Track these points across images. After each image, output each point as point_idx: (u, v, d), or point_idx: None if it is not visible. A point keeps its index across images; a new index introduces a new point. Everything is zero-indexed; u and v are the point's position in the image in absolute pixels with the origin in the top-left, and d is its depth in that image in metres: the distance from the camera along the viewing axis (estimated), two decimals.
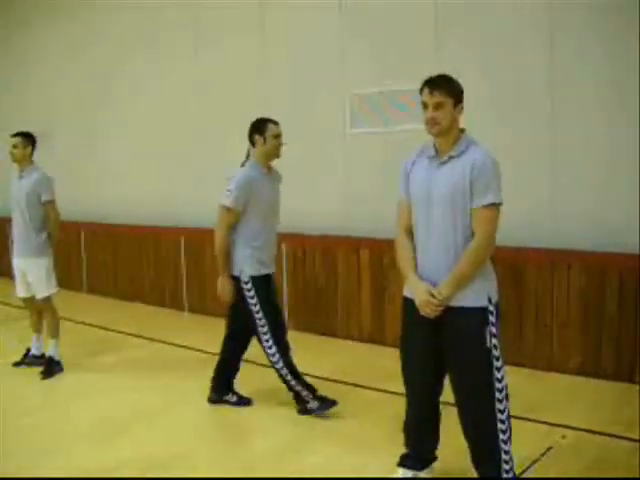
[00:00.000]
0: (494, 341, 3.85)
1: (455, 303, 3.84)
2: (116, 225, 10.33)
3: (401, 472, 4.28)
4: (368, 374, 6.40)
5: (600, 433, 5.03)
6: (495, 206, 3.79)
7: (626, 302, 6.02)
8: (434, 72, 3.98)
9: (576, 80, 6.25)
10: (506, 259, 5.97)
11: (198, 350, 7.34)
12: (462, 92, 3.94)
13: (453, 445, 4.31)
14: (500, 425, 3.90)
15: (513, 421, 4.00)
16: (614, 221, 6.19)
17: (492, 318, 3.86)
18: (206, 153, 9.17)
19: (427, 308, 3.85)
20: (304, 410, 5.49)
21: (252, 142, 5.51)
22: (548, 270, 6.38)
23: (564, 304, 6.32)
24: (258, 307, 5.46)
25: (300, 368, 5.55)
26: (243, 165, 5.54)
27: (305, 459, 4.75)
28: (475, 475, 4.07)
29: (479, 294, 3.85)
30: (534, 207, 6.49)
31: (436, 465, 4.35)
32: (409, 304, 4.01)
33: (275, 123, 5.52)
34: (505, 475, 3.93)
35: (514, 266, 6.35)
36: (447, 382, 4.07)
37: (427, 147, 4.03)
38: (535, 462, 4.58)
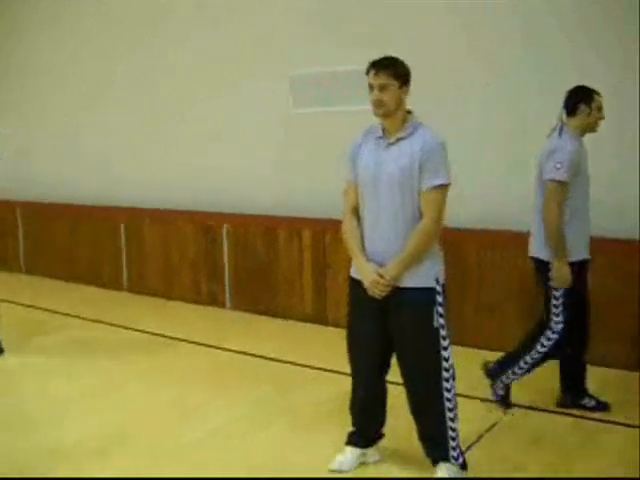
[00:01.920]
0: (441, 321, 3.90)
1: (403, 284, 3.87)
2: (54, 204, 10.15)
3: (349, 450, 4.31)
4: (311, 353, 6.42)
5: (541, 409, 5.16)
6: (443, 187, 3.83)
7: None
8: (383, 53, 3.99)
9: None
10: (447, 239, 6.01)
11: (138, 330, 7.30)
12: (408, 74, 3.95)
13: (400, 423, 4.37)
14: (447, 403, 3.96)
15: (458, 399, 4.06)
16: None
17: (439, 298, 3.91)
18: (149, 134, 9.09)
19: (375, 288, 3.88)
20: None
21: (573, 111, 4.94)
22: (488, 250, 6.48)
23: (504, 284, 6.42)
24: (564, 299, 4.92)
25: (242, 347, 5.53)
26: (558, 134, 4.91)
27: (255, 436, 4.76)
28: (421, 451, 4.13)
29: (427, 275, 3.89)
30: (479, 190, 6.54)
31: (383, 443, 4.39)
32: (356, 284, 4.04)
33: (599, 95, 4.96)
34: (452, 452, 4.01)
35: (455, 246, 6.40)
36: (394, 361, 4.11)
37: (374, 129, 4.04)
38: (480, 438, 4.67)
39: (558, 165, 4.73)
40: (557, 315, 4.90)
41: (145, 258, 8.99)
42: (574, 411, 5.10)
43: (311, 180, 7.57)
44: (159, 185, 8.93)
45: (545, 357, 4.99)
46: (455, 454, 4.03)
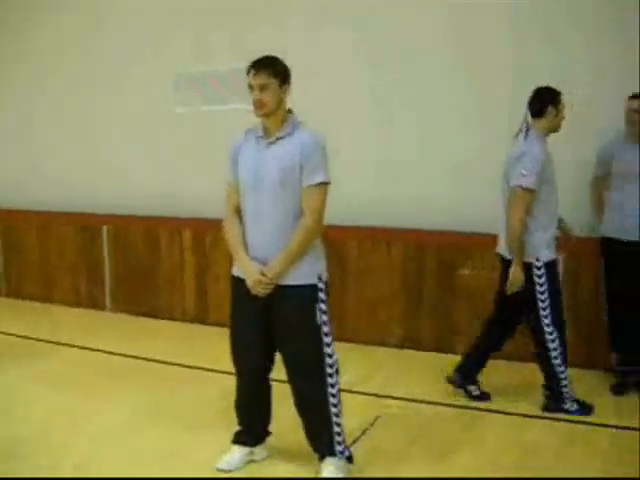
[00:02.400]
0: (324, 317, 3.94)
1: (286, 281, 3.89)
2: None
3: (236, 449, 4.31)
4: (194, 354, 6.39)
5: (423, 401, 5.27)
6: (324, 185, 3.87)
7: (443, 277, 6.33)
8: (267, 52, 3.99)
9: None
10: (329, 237, 6.07)
11: (17, 335, 7.11)
12: (287, 72, 3.97)
13: (286, 420, 4.39)
14: (331, 399, 4.00)
15: (343, 394, 4.11)
16: (433, 199, 6.48)
17: (322, 295, 3.94)
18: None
19: (258, 287, 3.88)
20: (556, 409, 5.08)
21: (540, 113, 4.95)
22: (369, 247, 6.59)
23: (385, 280, 6.54)
24: (546, 295, 4.96)
25: (124, 350, 5.44)
26: (524, 138, 4.96)
27: (140, 439, 4.69)
28: (308, 447, 4.16)
29: (309, 272, 3.92)
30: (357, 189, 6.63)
31: (271, 440, 4.41)
32: (238, 283, 4.03)
33: (562, 95, 4.99)
34: (337, 447, 4.06)
35: (337, 244, 6.48)
36: (279, 358, 4.13)
37: (255, 128, 4.04)
38: (365, 432, 4.74)
39: (524, 172, 4.78)
40: (545, 317, 4.97)
41: (23, 262, 8.73)
42: (457, 402, 5.24)
43: (192, 180, 7.51)
44: (36, 186, 8.68)
45: (564, 350, 5.03)
46: (341, 448, 4.08)
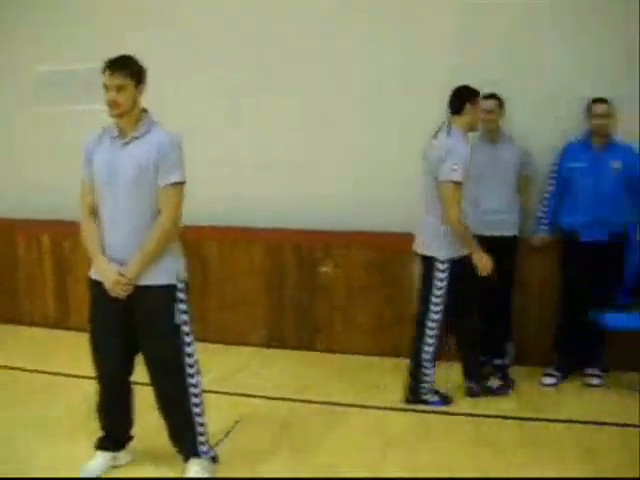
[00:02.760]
0: (184, 317, 3.93)
1: (144, 281, 3.86)
2: None
3: (99, 454, 4.25)
4: (56, 359, 6.25)
5: (286, 399, 5.33)
6: (180, 185, 3.86)
7: (304, 275, 6.41)
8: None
9: None
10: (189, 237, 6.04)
11: None
12: (143, 72, 3.94)
13: (149, 423, 4.35)
14: (194, 399, 4.00)
15: (206, 394, 4.12)
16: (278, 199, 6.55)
17: (181, 295, 3.93)
18: None
19: (117, 288, 3.84)
20: (417, 400, 5.24)
21: (459, 110, 5.09)
22: (229, 247, 6.60)
23: (246, 280, 6.56)
24: (443, 292, 5.08)
25: None
26: (447, 134, 5.07)
27: (8, 452, 4.53)
28: (172, 449, 4.15)
29: (167, 272, 3.90)
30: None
31: (134, 444, 4.36)
32: (96, 286, 3.97)
33: (480, 94, 5.21)
34: (201, 447, 4.07)
35: (196, 243, 6.46)
36: (141, 360, 4.09)
37: (110, 128, 3.99)
38: (229, 431, 4.76)
39: (454, 166, 4.89)
40: (435, 312, 5.11)
41: None
42: (318, 398, 5.32)
43: (51, 181, 7.31)
44: None
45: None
46: (205, 449, 4.10)
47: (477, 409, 5.16)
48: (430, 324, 5.13)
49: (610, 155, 5.46)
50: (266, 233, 6.49)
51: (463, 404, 5.27)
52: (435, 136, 5.15)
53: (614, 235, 5.47)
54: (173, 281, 3.90)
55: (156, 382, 4.04)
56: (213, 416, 4.33)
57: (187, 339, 3.95)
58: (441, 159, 4.96)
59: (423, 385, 5.21)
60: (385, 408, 5.16)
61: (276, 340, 6.53)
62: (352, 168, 6.36)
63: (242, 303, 6.61)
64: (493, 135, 5.69)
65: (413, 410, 5.13)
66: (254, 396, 5.38)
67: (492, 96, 5.64)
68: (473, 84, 5.14)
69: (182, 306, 3.92)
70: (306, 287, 6.43)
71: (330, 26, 6.32)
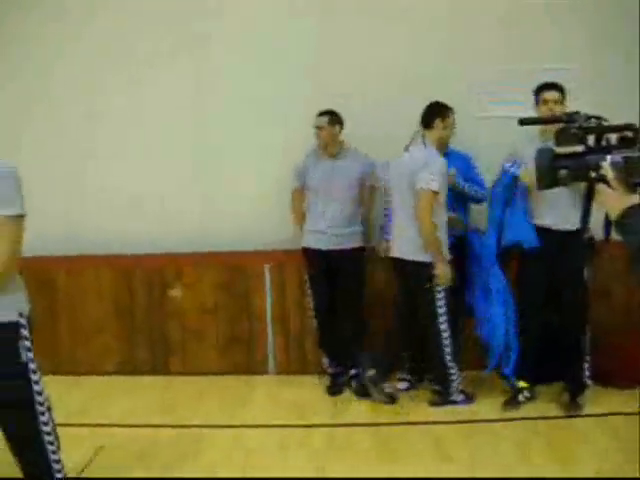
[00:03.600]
0: (29, 355, 3.79)
1: None
2: None
3: None
4: None
5: (144, 426, 5.25)
6: (14, 218, 3.69)
7: (154, 299, 6.35)
8: None
9: None
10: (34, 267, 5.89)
11: None
12: None
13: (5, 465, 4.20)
14: (47, 437, 3.87)
15: (60, 429, 4.00)
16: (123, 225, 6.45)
17: (25, 332, 3.78)
18: None
19: None
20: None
21: (429, 125, 5.34)
22: (77, 275, 6.46)
23: (96, 307, 6.43)
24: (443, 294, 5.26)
25: None
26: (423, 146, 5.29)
27: None
28: None
29: (8, 309, 3.75)
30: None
31: None
32: None
33: (453, 112, 5.47)
34: None
35: (43, 274, 6.30)
36: None
37: None
38: (89, 463, 4.63)
39: (432, 176, 5.09)
40: (441, 314, 5.27)
41: None
42: (177, 422, 5.28)
43: None
44: None
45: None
46: None
47: (337, 418, 5.26)
48: (442, 326, 5.29)
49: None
50: (114, 259, 6.38)
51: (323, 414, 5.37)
52: (406, 149, 5.35)
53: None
54: (15, 318, 3.77)
55: (5, 426, 3.90)
56: (70, 450, 4.20)
57: (34, 377, 3.80)
58: (414, 172, 5.16)
59: (453, 386, 5.40)
60: (247, 426, 5.18)
61: (128, 366, 6.40)
62: (198, 189, 6.34)
63: (93, 332, 6.44)
64: (330, 149, 5.78)
65: (274, 425, 5.16)
66: (113, 425, 5.26)
67: (327, 113, 5.74)
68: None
69: (27, 343, 3.78)
70: (157, 311, 6.36)
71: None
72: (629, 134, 2.20)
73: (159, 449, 4.86)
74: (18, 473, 4.24)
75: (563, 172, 2.23)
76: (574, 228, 4.85)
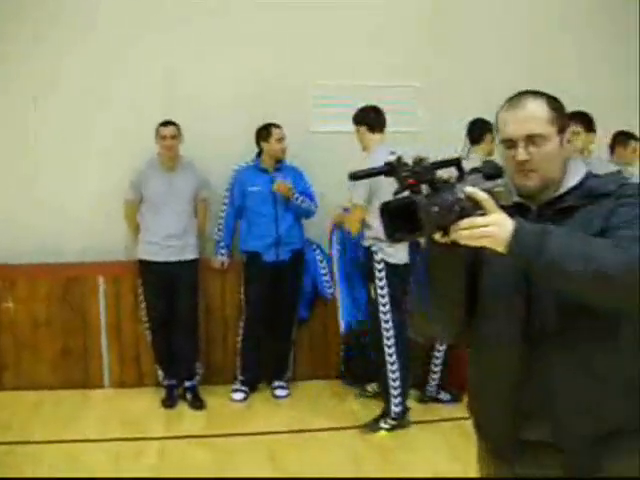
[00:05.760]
0: None
1: None
2: None
3: None
4: None
5: None
6: None
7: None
8: None
9: None
10: None
11: None
12: None
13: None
14: None
15: None
16: None
17: None
18: None
19: None
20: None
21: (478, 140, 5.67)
22: None
23: None
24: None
25: None
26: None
27: None
28: None
29: None
30: None
31: None
32: None
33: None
34: None
35: None
36: None
37: None
38: None
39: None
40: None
41: None
42: (12, 438, 5.14)
43: None
44: None
45: None
46: None
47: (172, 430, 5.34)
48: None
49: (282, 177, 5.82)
50: None
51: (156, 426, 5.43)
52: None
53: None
54: None
55: None
56: None
57: None
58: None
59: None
60: (81, 441, 5.14)
61: None
62: (33, 197, 6.21)
63: None
64: (171, 161, 5.84)
65: (107, 440, 5.15)
66: None
67: (171, 123, 5.78)
68: None
69: None
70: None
71: None
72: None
73: None
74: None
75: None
76: None
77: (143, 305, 5.93)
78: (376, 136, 5.38)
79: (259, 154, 5.90)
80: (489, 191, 1.97)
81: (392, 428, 5.25)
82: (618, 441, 2.12)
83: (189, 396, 5.82)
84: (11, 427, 5.40)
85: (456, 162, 2.08)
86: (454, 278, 2.10)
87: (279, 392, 5.99)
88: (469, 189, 1.94)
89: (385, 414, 5.29)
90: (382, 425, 5.26)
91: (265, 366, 6.06)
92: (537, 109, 2.14)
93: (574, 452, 2.13)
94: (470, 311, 2.23)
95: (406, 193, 1.93)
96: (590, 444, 2.11)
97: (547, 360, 2.10)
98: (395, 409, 5.25)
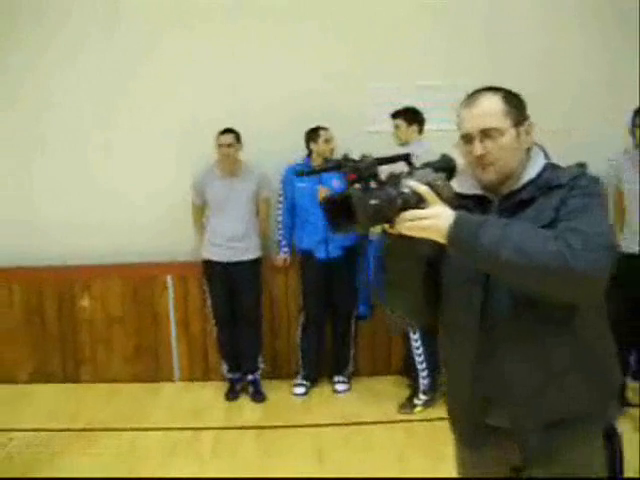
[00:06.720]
0: None
1: None
2: None
3: None
4: None
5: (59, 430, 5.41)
6: None
7: (63, 310, 6.53)
8: None
9: None
10: None
11: None
12: None
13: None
14: None
15: None
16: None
17: None
18: None
19: None
20: None
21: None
22: None
23: (8, 318, 6.56)
24: None
25: None
26: None
27: None
28: None
29: None
30: None
31: None
32: None
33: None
34: None
35: None
36: None
37: None
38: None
39: None
40: None
41: None
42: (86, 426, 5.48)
43: None
44: None
45: None
46: None
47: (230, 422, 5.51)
48: None
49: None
50: (24, 272, 6.52)
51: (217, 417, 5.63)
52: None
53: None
54: None
55: None
56: None
57: None
58: None
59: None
60: (141, 429, 5.40)
61: (42, 375, 6.54)
62: (103, 204, 6.55)
63: (5, 342, 6.59)
64: (231, 168, 6.00)
65: (167, 429, 5.41)
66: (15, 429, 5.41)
67: (230, 131, 5.96)
68: None
69: None
70: (68, 321, 6.52)
71: None
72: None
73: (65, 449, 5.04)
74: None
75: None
76: None
77: (209, 303, 6.15)
78: (413, 131, 5.68)
79: (309, 155, 6.05)
80: (430, 184, 2.07)
81: (425, 403, 5.52)
82: (572, 428, 2.17)
83: (251, 389, 6.02)
84: (82, 416, 5.71)
85: (404, 157, 2.18)
86: (409, 268, 2.19)
87: (339, 387, 6.12)
88: (410, 183, 2.04)
89: (416, 391, 5.55)
90: (416, 402, 5.54)
91: (326, 361, 6.21)
92: (491, 105, 2.24)
93: (528, 438, 2.20)
94: (436, 300, 2.32)
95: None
96: (543, 431, 2.17)
97: (502, 348, 2.18)
98: (424, 382, 5.51)
